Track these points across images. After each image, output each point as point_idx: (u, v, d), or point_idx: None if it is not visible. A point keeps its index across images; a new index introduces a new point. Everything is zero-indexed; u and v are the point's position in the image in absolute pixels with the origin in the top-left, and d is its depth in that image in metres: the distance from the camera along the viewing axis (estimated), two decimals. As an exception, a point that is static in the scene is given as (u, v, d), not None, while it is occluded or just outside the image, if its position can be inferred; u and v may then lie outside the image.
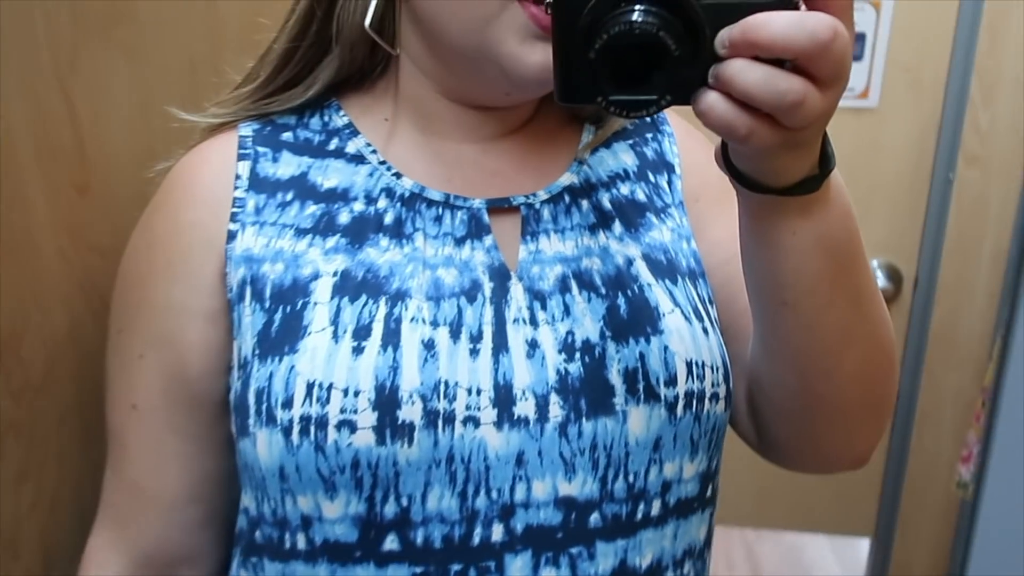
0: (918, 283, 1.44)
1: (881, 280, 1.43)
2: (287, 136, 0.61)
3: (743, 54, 0.38)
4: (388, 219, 0.58)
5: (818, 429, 0.56)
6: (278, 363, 0.54)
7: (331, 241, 0.57)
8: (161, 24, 0.76)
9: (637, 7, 0.38)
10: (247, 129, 0.61)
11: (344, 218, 0.58)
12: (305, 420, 0.52)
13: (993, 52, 1.31)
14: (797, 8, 0.38)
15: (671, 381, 0.55)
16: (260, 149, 0.60)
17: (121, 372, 0.60)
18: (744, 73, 0.38)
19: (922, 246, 1.42)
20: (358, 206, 0.58)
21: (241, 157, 0.60)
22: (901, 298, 1.46)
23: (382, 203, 0.58)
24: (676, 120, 0.69)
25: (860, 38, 1.37)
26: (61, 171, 0.66)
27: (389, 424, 0.51)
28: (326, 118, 0.62)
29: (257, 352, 0.55)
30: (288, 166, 0.60)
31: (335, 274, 0.56)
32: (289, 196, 0.58)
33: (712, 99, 0.39)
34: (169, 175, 0.61)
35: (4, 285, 0.60)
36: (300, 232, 0.57)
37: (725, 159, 0.45)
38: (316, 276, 0.56)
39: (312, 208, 0.58)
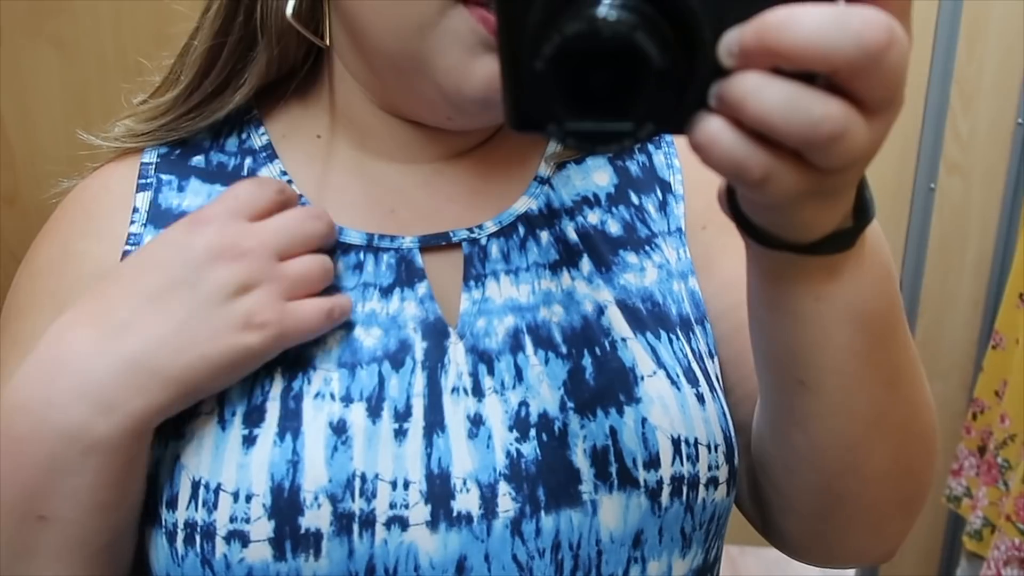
0: (902, 291, 1.43)
1: (865, 290, 1.42)
2: (198, 160, 0.52)
3: (759, 65, 0.27)
4: None
5: (838, 529, 0.47)
6: (164, 448, 0.45)
7: None
8: (99, 17, 0.71)
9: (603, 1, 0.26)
10: (151, 155, 0.53)
11: None
12: (190, 527, 0.43)
13: (972, 61, 1.32)
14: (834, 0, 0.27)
15: (652, 463, 0.45)
16: (164, 177, 0.52)
17: None
18: (761, 93, 0.27)
19: (906, 254, 1.42)
20: None
21: (140, 188, 0.51)
22: (885, 308, 1.45)
23: None
24: None
25: (839, 47, 1.37)
26: None
27: (289, 535, 0.42)
28: (244, 135, 0.53)
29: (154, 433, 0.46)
30: (196, 196, 0.51)
31: None
32: None
33: (715, 128, 0.28)
34: (65, 200, 0.53)
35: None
36: None
37: (731, 204, 0.35)
38: None
39: None
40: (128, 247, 0.50)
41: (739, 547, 2.15)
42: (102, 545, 0.44)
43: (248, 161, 0.52)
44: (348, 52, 0.50)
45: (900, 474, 0.44)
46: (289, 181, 0.51)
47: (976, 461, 1.30)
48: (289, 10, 0.47)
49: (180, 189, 0.52)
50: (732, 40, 0.27)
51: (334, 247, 0.48)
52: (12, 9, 0.61)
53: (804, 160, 0.28)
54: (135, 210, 0.51)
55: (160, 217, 0.51)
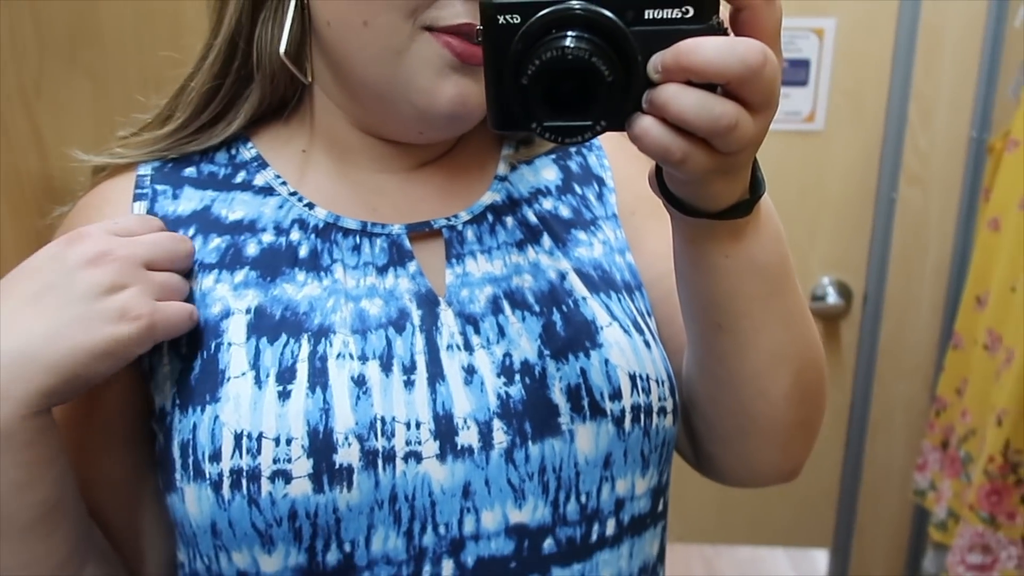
0: (867, 298, 1.49)
1: (832, 296, 1.48)
2: (189, 171, 0.58)
3: (676, 79, 0.38)
4: (303, 252, 0.55)
5: (752, 447, 0.56)
6: (200, 413, 0.51)
7: (239, 275, 0.54)
8: (124, 44, 0.74)
9: (569, 33, 0.37)
10: (146, 168, 0.58)
11: (252, 250, 0.55)
12: (236, 473, 0.49)
13: (929, 78, 1.39)
14: (726, 34, 0.39)
15: (616, 395, 0.54)
16: (159, 187, 0.57)
17: None
18: (678, 97, 0.37)
19: (869, 263, 1.48)
20: (267, 237, 0.55)
21: (137, 197, 0.57)
22: (852, 313, 1.51)
23: (295, 235, 0.56)
24: (606, 134, 0.68)
25: (804, 64, 1.43)
26: (27, 197, 0.62)
27: (326, 470, 0.49)
28: (233, 151, 0.59)
29: (177, 402, 0.52)
30: (189, 201, 0.57)
31: (248, 311, 0.53)
32: (190, 232, 0.56)
33: (647, 123, 0.39)
34: (69, 214, 0.58)
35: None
36: (204, 267, 0.54)
37: (659, 183, 0.45)
38: (227, 314, 0.53)
39: (216, 241, 0.55)
40: None
41: (714, 547, 2.19)
42: (33, 519, 0.49)
43: (241, 173, 0.58)
44: (331, 84, 0.57)
45: (799, 397, 0.54)
46: (283, 183, 0.57)
47: (940, 456, 1.37)
48: (282, 48, 0.54)
49: (175, 197, 0.57)
50: (657, 61, 0.38)
51: (191, 269, 0.54)
52: (54, 41, 0.64)
53: (710, 145, 0.39)
54: None
55: None
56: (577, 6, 0.37)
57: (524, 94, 0.38)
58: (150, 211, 0.56)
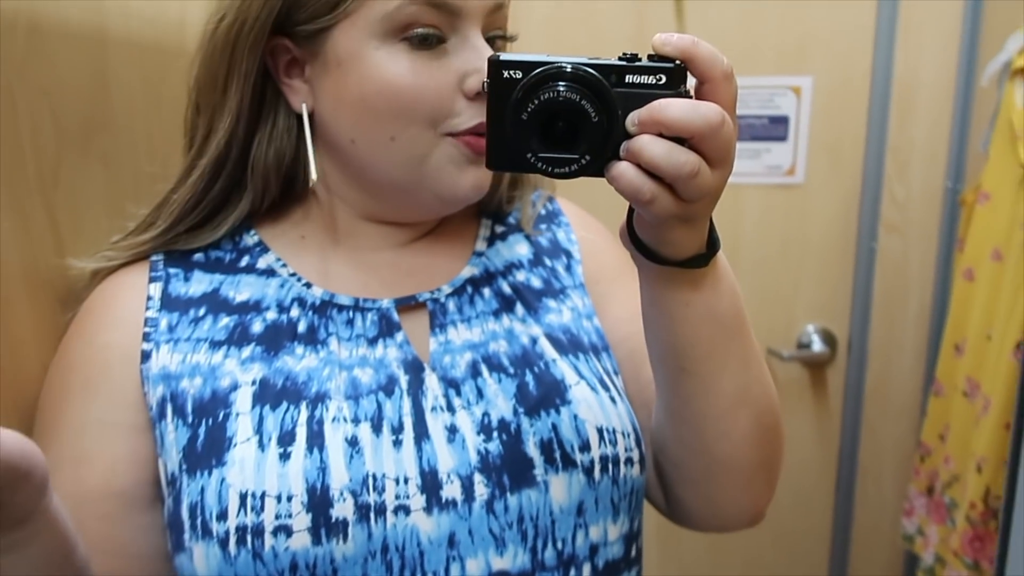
0: (851, 345, 1.52)
1: (818, 344, 1.51)
2: (198, 257, 0.64)
3: (649, 131, 0.44)
4: (301, 327, 0.60)
5: (717, 488, 0.60)
6: (208, 477, 0.55)
7: (246, 351, 0.59)
8: (134, 130, 0.79)
9: (562, 83, 0.45)
10: (158, 254, 0.63)
11: (257, 327, 0.60)
12: (241, 530, 0.53)
13: (903, 132, 1.44)
14: (691, 98, 0.46)
15: (585, 447, 0.59)
16: (172, 270, 0.63)
17: None
18: (650, 146, 0.44)
19: (852, 310, 1.52)
20: (271, 315, 0.61)
21: (152, 279, 0.62)
22: (837, 360, 1.54)
23: (294, 312, 0.61)
24: (572, 211, 0.76)
25: (784, 120, 1.48)
26: (45, 286, 0.65)
27: (323, 523, 0.53)
28: (237, 238, 0.65)
29: (184, 468, 0.56)
30: (200, 283, 0.62)
31: (253, 383, 0.58)
32: (202, 311, 0.61)
33: (623, 167, 0.45)
34: (84, 304, 0.62)
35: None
36: (215, 344, 0.59)
37: (630, 232, 0.51)
38: (235, 387, 0.57)
39: (225, 320, 0.60)
40: (147, 329, 0.60)
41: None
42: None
43: (245, 258, 0.64)
44: (342, 186, 0.63)
45: (759, 438, 0.58)
46: (283, 265, 0.63)
47: (926, 501, 1.39)
48: (313, 175, 0.60)
49: (186, 279, 0.63)
50: (634, 116, 0.45)
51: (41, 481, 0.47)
52: (70, 128, 0.69)
53: (674, 191, 0.45)
54: (149, 298, 0.61)
55: (172, 303, 0.61)
56: (569, 67, 0.45)
57: (523, 128, 0.45)
58: (164, 292, 0.62)
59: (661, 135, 0.44)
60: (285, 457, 0.54)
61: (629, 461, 0.61)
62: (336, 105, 0.59)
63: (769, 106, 1.46)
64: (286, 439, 0.55)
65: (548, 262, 0.70)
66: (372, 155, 0.59)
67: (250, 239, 0.65)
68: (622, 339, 0.67)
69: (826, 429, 1.57)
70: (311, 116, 0.61)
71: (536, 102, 0.45)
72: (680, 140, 0.45)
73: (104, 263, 0.63)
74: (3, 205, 0.63)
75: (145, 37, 0.79)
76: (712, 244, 0.51)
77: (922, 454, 1.39)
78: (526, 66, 0.46)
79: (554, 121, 0.45)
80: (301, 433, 0.55)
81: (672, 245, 0.49)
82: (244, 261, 0.64)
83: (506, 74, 0.46)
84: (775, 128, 1.48)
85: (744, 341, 0.56)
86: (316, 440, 0.55)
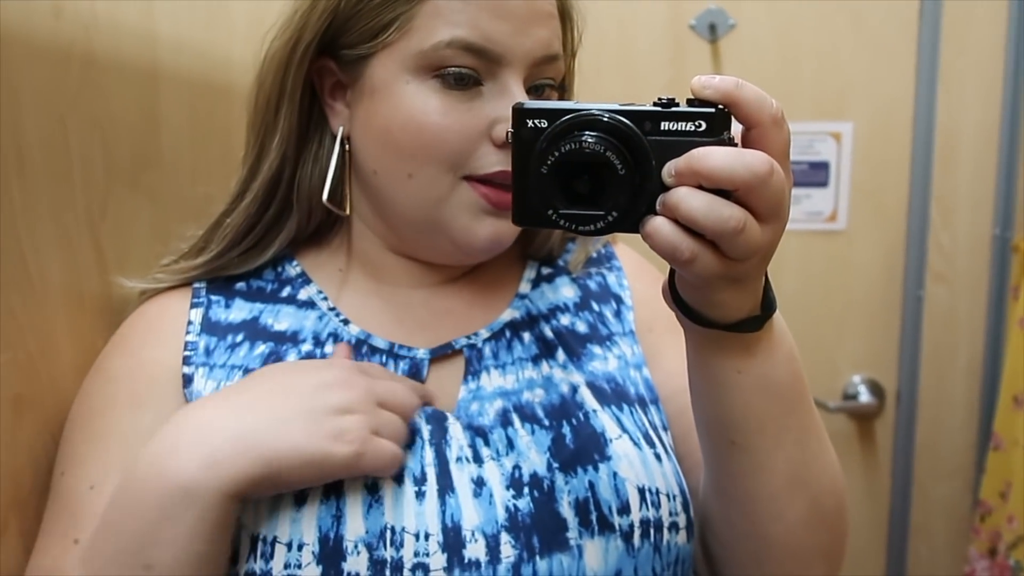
0: (900, 396, 1.47)
1: (864, 395, 1.46)
2: (240, 285, 0.62)
3: (688, 183, 0.40)
4: None
5: (768, 573, 0.54)
6: None
7: None
8: (181, 165, 0.78)
9: (588, 133, 0.41)
10: (202, 281, 0.62)
11: (292, 359, 0.58)
12: None
13: (948, 177, 1.42)
14: (736, 145, 0.41)
15: (624, 509, 0.53)
16: (213, 297, 0.61)
17: (62, 513, 0.55)
18: (688, 199, 0.39)
19: (900, 360, 1.47)
20: (306, 347, 0.59)
21: (194, 305, 0.61)
22: (885, 412, 1.49)
23: (329, 348, 0.59)
24: (627, 255, 0.71)
25: (824, 166, 1.46)
26: (88, 319, 0.64)
27: None
28: (279, 268, 0.63)
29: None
30: (240, 311, 0.61)
31: None
32: (239, 338, 0.59)
33: (658, 222, 0.40)
34: (128, 320, 0.61)
35: (29, 431, 0.58)
36: (249, 373, 0.57)
37: (672, 292, 0.46)
38: None
39: (261, 348, 0.58)
40: (187, 352, 0.58)
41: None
42: None
43: (287, 288, 0.62)
44: (370, 216, 0.61)
45: (817, 523, 0.52)
46: (324, 298, 0.61)
47: (988, 564, 1.31)
48: (324, 195, 0.58)
49: (227, 306, 0.61)
50: (671, 166, 0.40)
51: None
52: (118, 164, 0.68)
53: (719, 249, 0.40)
54: (190, 323, 0.60)
55: (211, 328, 0.60)
56: (598, 113, 0.41)
57: (544, 183, 0.41)
58: (205, 317, 0.60)
59: (701, 187, 0.39)
60: (300, 501, 0.51)
61: (674, 526, 0.55)
62: (364, 133, 0.58)
63: (809, 152, 1.44)
64: None
65: (596, 306, 0.66)
66: (391, 190, 0.58)
67: (292, 269, 0.63)
68: (674, 392, 0.62)
69: (875, 486, 1.50)
70: (347, 141, 0.59)
71: (557, 154, 0.41)
72: (725, 194, 0.40)
73: (152, 284, 0.62)
74: (50, 239, 0.61)
75: (194, 73, 0.78)
76: (767, 305, 0.46)
77: (982, 513, 1.32)
78: (552, 114, 0.42)
79: (578, 175, 0.41)
80: None
81: (720, 307, 0.44)
82: (286, 291, 0.62)
83: (530, 123, 0.42)
84: (815, 174, 1.46)
85: (803, 414, 0.50)
86: (333, 486, 0.52)
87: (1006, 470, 1.27)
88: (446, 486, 0.53)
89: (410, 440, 0.55)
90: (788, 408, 0.49)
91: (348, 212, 0.61)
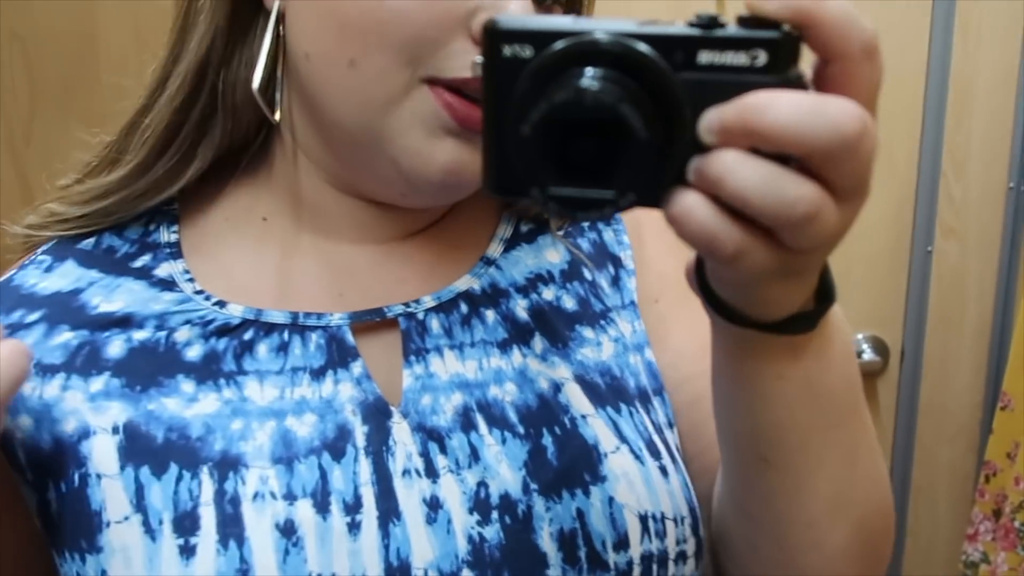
0: (904, 355, 1.43)
1: (868, 353, 1.41)
2: (86, 243, 0.48)
3: (738, 144, 0.27)
4: (192, 354, 0.44)
5: None
6: (83, 563, 0.41)
7: (96, 383, 0.43)
8: (123, 89, 0.71)
9: (591, 71, 0.27)
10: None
11: (115, 350, 0.44)
12: None
13: (961, 128, 1.36)
14: (807, 88, 0.28)
15: (622, 543, 0.43)
16: (40, 257, 0.48)
17: None
18: (739, 170, 0.27)
19: (906, 318, 1.42)
20: (140, 335, 0.45)
21: (22, 266, 0.48)
22: (888, 371, 1.45)
23: (182, 334, 0.45)
24: (632, 214, 0.56)
25: (832, 115, 1.40)
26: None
27: None
28: (152, 226, 0.49)
29: (50, 540, 0.43)
30: (62, 278, 0.46)
31: (115, 430, 0.42)
32: (33, 316, 0.45)
33: (691, 202, 0.28)
34: None
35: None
36: (45, 370, 0.44)
37: (699, 279, 0.35)
38: (86, 433, 0.42)
39: (65, 336, 0.44)
40: None
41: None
42: None
43: (145, 256, 0.48)
44: (302, 126, 0.48)
45: (861, 551, 0.43)
46: (190, 279, 0.47)
47: (992, 525, 1.28)
48: (255, 82, 0.45)
49: (48, 269, 0.47)
50: (713, 118, 0.27)
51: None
52: (46, 90, 0.62)
53: (775, 239, 0.29)
54: None
55: (6, 293, 0.46)
56: (606, 37, 0.27)
57: (525, 148, 0.28)
58: (9, 279, 0.47)
59: (755, 150, 0.27)
60: (188, 552, 0.39)
61: (681, 556, 0.46)
62: (302, 4, 0.44)
63: (817, 100, 1.38)
64: (186, 524, 0.40)
65: (588, 274, 0.52)
66: (325, 82, 0.44)
67: (167, 235, 0.49)
68: (684, 380, 0.51)
69: (877, 446, 1.47)
70: (283, 20, 0.45)
71: (545, 106, 0.27)
72: (786, 158, 0.27)
73: (44, 220, 0.48)
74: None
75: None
76: (824, 295, 0.35)
77: (987, 474, 1.29)
78: (541, 37, 0.28)
79: (575, 137, 0.27)
80: (208, 516, 0.40)
81: (764, 305, 0.33)
82: (140, 261, 0.48)
83: (508, 50, 0.28)
84: (823, 123, 1.40)
85: (854, 426, 0.40)
86: (232, 527, 0.40)
87: (1015, 430, 1.24)
88: (389, 511, 0.41)
89: (338, 449, 0.42)
90: (837, 420, 0.39)
91: (277, 117, 0.47)
